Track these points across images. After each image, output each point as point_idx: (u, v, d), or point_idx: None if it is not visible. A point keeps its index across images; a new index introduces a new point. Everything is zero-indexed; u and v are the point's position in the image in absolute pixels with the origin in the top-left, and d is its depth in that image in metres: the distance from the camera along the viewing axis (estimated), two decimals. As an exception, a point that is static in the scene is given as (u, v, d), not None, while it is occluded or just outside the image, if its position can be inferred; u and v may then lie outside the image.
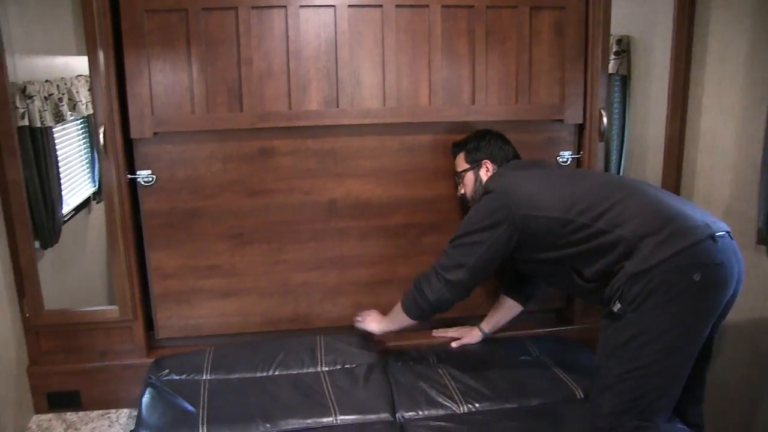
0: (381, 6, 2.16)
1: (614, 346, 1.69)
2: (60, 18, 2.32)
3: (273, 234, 2.30)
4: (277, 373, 2.16)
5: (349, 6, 2.14)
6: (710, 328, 1.70)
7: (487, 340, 2.35)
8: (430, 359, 2.25)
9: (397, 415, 1.99)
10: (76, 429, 2.22)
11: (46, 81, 2.28)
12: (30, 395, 2.29)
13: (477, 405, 2.00)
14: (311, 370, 2.17)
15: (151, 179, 2.20)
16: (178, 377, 2.14)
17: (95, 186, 2.60)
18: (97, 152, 2.19)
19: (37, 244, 2.23)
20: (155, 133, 2.14)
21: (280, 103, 2.18)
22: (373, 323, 2.25)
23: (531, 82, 2.29)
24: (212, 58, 2.12)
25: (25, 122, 2.16)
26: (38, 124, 2.22)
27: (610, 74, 2.59)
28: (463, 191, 2.22)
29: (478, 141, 2.17)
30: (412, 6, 2.17)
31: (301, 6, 2.12)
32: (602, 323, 1.75)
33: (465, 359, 2.25)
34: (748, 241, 2.07)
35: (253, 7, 2.10)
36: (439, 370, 2.18)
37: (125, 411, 2.32)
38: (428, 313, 2.07)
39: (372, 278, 2.39)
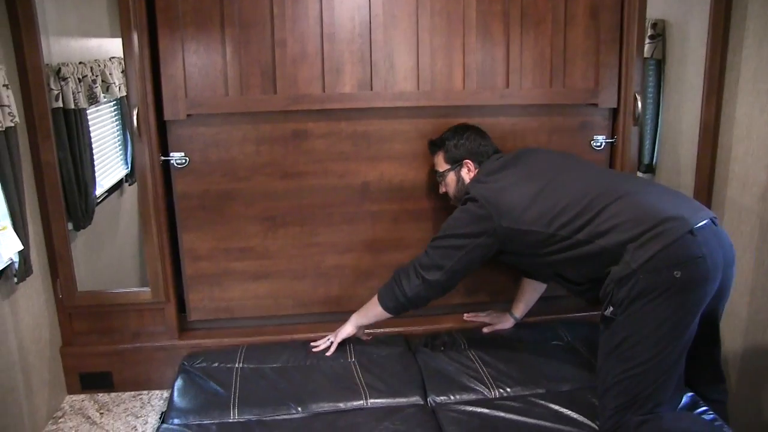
0: None
1: (610, 349, 1.74)
2: (94, 0, 2.32)
3: (306, 217, 2.30)
4: (308, 363, 2.16)
5: None
6: (709, 313, 1.75)
7: (519, 324, 2.35)
8: (460, 343, 2.25)
9: (428, 399, 1.99)
10: (108, 410, 2.24)
11: (80, 63, 2.28)
12: (63, 376, 2.31)
13: (508, 390, 2.00)
14: (342, 361, 2.17)
15: (184, 161, 2.20)
16: (211, 364, 2.16)
17: (128, 168, 2.60)
18: (130, 134, 2.19)
19: (70, 226, 2.24)
20: (189, 115, 2.14)
21: (313, 86, 2.17)
22: (344, 327, 2.19)
23: (565, 66, 2.26)
24: (246, 40, 2.12)
25: (59, 104, 2.16)
26: (72, 106, 2.22)
27: (645, 58, 2.56)
28: (444, 190, 2.20)
29: (456, 139, 2.13)
30: None
31: None
32: (599, 327, 1.80)
33: (496, 344, 2.25)
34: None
35: None
36: (470, 354, 2.18)
37: (157, 392, 2.33)
38: (404, 308, 2.07)
39: (404, 261, 2.37)
